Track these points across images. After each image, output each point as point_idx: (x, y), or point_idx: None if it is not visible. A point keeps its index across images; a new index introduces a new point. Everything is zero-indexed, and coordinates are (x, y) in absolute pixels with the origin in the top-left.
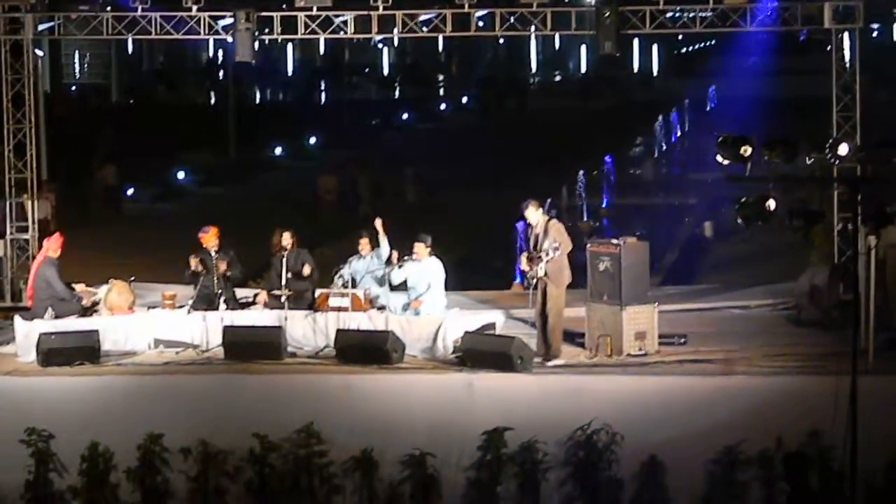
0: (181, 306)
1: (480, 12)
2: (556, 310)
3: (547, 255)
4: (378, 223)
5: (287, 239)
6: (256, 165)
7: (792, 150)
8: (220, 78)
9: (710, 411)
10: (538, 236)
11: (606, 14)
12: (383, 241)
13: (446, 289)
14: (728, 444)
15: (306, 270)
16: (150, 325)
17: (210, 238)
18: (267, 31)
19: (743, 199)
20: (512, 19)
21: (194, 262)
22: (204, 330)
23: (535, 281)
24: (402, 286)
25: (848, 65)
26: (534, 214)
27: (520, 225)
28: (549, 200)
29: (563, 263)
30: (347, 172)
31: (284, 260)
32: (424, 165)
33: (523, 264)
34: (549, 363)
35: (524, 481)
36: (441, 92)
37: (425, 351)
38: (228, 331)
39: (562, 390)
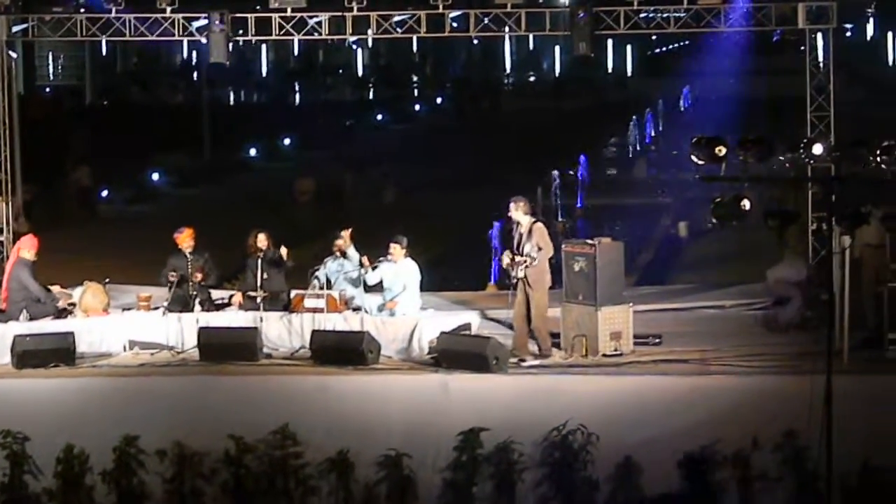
0: (156, 308)
1: (454, 13)
2: (539, 312)
3: (527, 259)
4: (346, 234)
5: (262, 240)
6: (231, 167)
7: (766, 149)
8: (194, 79)
9: (685, 411)
10: (521, 236)
11: (581, 14)
12: (350, 250)
13: (422, 289)
14: (703, 444)
15: (283, 252)
16: (125, 327)
17: (185, 239)
18: (241, 32)
19: (717, 199)
20: (486, 20)
21: (173, 276)
22: (179, 331)
23: (515, 281)
24: (378, 287)
25: (822, 65)
26: (518, 214)
27: (496, 224)
28: None
29: (543, 267)
30: (333, 172)
31: (260, 261)
32: (399, 166)
33: (504, 262)
34: (533, 362)
35: (500, 482)
36: (415, 93)
37: (401, 352)
38: (204, 332)
39: (537, 391)
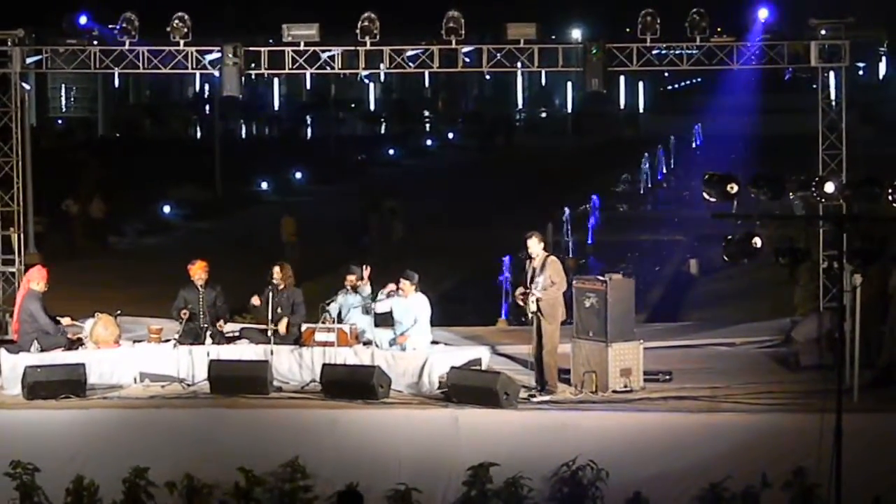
0: (167, 340)
1: (467, 48)
2: (551, 346)
3: (537, 289)
4: (366, 272)
5: (276, 275)
6: (242, 200)
7: (778, 187)
8: (207, 112)
9: (694, 448)
10: (535, 270)
11: (594, 51)
12: (367, 288)
13: (432, 324)
14: (713, 481)
15: (282, 328)
16: (135, 359)
17: (197, 271)
18: (254, 65)
19: (729, 237)
20: (499, 55)
21: (185, 314)
22: (190, 364)
23: (531, 316)
24: (389, 321)
25: (834, 103)
26: (535, 247)
27: (506, 260)
28: None
29: (557, 300)
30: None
31: (271, 294)
32: (410, 201)
33: (518, 298)
34: (543, 398)
35: None
36: (427, 128)
37: (411, 386)
38: (214, 365)
39: (547, 426)
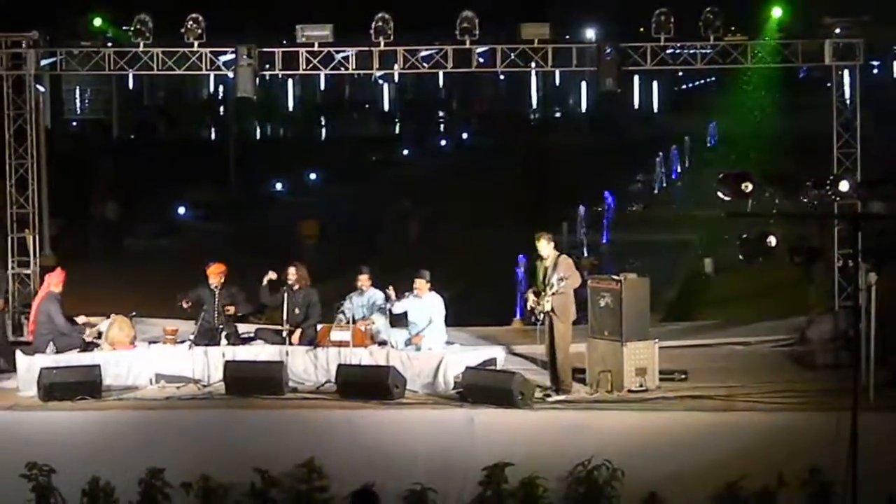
0: (182, 341)
1: (481, 48)
2: (564, 345)
3: (553, 287)
4: (364, 278)
5: (291, 275)
6: (257, 201)
7: (793, 186)
8: (221, 113)
9: (710, 447)
10: (547, 269)
11: (607, 50)
12: (370, 291)
13: (447, 324)
14: (729, 481)
15: (294, 339)
16: (151, 360)
17: (212, 273)
18: (268, 66)
19: (744, 236)
20: (512, 55)
21: (185, 303)
22: (205, 365)
23: (542, 316)
24: (403, 321)
25: (848, 101)
26: (545, 247)
27: (521, 259)
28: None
29: (569, 299)
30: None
31: (286, 295)
32: (424, 201)
33: (530, 299)
34: (558, 398)
35: None
36: (441, 128)
37: (426, 386)
38: (230, 366)
39: (562, 426)
